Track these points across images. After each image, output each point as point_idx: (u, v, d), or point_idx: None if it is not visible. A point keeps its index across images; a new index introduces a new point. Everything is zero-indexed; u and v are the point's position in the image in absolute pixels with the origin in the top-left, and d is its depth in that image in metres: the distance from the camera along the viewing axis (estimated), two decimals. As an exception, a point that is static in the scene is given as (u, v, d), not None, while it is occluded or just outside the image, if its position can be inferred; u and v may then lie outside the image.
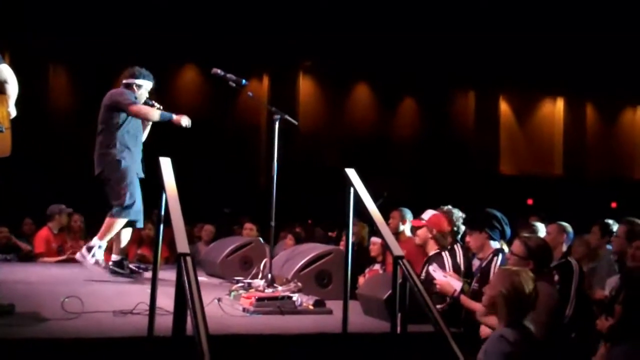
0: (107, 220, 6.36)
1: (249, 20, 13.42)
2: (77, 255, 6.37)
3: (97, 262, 6.32)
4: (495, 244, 5.24)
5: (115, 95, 6.43)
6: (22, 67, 12.32)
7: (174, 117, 6.43)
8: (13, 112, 4.50)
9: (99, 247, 6.35)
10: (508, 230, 5.37)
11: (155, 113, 6.44)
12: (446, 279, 4.98)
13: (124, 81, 6.62)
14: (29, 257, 8.35)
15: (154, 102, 6.68)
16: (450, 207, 5.67)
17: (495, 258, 5.02)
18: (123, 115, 6.37)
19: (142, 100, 6.60)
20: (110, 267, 6.47)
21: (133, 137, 6.44)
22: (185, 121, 6.43)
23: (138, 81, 6.57)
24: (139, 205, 6.35)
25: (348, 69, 15.66)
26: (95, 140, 6.49)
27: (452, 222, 5.66)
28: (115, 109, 6.37)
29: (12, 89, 4.39)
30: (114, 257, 6.52)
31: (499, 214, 5.37)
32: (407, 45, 14.44)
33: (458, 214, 5.63)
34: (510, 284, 3.77)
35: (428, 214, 5.74)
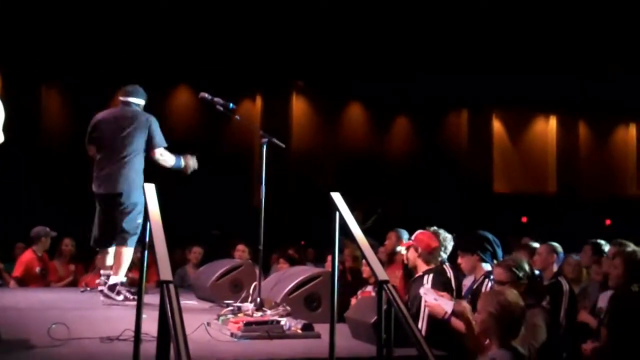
0: (122, 251, 6.36)
1: (242, 41, 13.46)
2: (102, 298, 6.30)
3: (126, 298, 6.28)
4: (486, 266, 5.22)
5: (154, 126, 6.49)
6: (14, 88, 12.54)
7: (183, 162, 6.68)
8: (0, 138, 4.48)
9: (121, 282, 6.36)
10: (499, 252, 5.36)
11: (171, 160, 6.62)
12: (437, 302, 4.96)
13: (124, 99, 6.65)
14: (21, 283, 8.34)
15: None
16: (435, 228, 5.63)
17: (486, 280, 5.01)
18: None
19: None
20: (102, 289, 6.48)
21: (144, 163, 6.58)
22: (192, 163, 6.75)
23: (139, 101, 6.67)
24: None
25: (341, 89, 15.69)
26: (113, 159, 6.43)
27: (439, 243, 5.62)
28: (148, 137, 6.45)
29: None
30: (103, 279, 6.51)
31: (490, 236, 5.35)
32: (400, 64, 14.49)
33: (445, 235, 5.61)
34: (498, 302, 3.78)
35: (416, 233, 5.70)
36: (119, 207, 6.36)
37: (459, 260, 5.41)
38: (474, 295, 4.91)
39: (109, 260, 6.53)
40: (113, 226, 6.45)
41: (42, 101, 14.01)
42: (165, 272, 3.27)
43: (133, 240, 6.35)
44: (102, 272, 6.57)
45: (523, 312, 3.82)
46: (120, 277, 6.35)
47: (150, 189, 3.86)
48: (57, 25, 12.34)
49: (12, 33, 11.83)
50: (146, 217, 3.70)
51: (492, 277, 4.96)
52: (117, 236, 6.41)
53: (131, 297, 6.32)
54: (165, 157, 6.53)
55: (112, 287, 6.34)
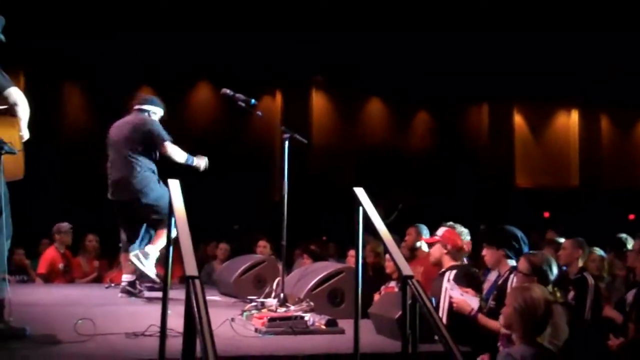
0: (160, 232, 6.39)
1: (261, 37, 13.48)
2: (147, 293, 6.45)
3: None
4: (511, 262, 5.20)
5: (151, 125, 6.51)
6: (36, 86, 12.64)
7: (195, 161, 6.54)
8: (26, 135, 4.52)
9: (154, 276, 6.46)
10: (526, 250, 5.32)
11: (182, 156, 6.51)
12: (463, 297, 4.95)
13: (138, 107, 6.68)
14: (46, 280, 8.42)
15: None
16: (452, 223, 5.63)
17: (511, 276, 4.98)
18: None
19: None
20: (124, 287, 6.53)
21: (154, 161, 6.55)
22: (203, 164, 6.57)
23: (153, 109, 6.65)
24: None
25: (361, 84, 15.66)
26: (119, 164, 6.50)
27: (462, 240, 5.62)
28: (149, 138, 6.46)
29: (23, 111, 4.37)
30: (126, 277, 6.57)
31: (519, 234, 5.31)
32: (420, 58, 14.44)
33: (461, 229, 5.61)
34: (523, 299, 3.78)
35: (442, 230, 5.70)
36: (142, 210, 6.43)
37: (484, 252, 5.40)
38: (500, 291, 4.89)
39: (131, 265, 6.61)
40: (138, 228, 6.55)
41: (64, 98, 14.10)
42: (191, 267, 3.27)
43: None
44: (124, 276, 6.64)
45: (549, 310, 3.80)
46: (157, 247, 6.35)
47: (175, 184, 3.87)
48: (78, 22, 12.41)
49: (34, 30, 11.90)
50: (171, 213, 3.71)
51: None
52: (151, 228, 6.49)
53: (157, 286, 6.44)
54: (174, 151, 6.50)
55: (131, 283, 6.46)
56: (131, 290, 6.49)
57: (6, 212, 4.30)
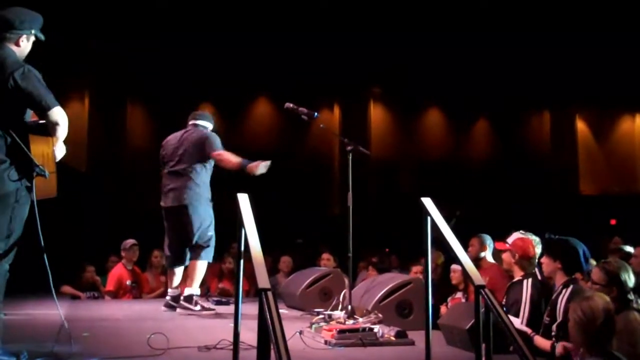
0: (196, 264, 6.51)
1: (318, 51, 13.55)
2: (179, 310, 6.48)
3: (203, 308, 6.48)
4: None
5: (204, 137, 6.64)
6: (101, 104, 12.93)
7: (250, 164, 6.38)
8: (62, 152, 4.43)
9: (197, 294, 6.54)
10: (586, 266, 5.13)
11: (235, 161, 6.44)
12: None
13: (192, 122, 6.87)
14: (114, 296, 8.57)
15: None
16: (522, 232, 5.52)
17: (564, 290, 4.77)
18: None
19: None
20: (167, 301, 6.69)
21: (209, 177, 6.67)
22: (262, 169, 6.33)
23: (204, 123, 6.84)
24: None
25: (419, 94, 15.60)
26: (178, 174, 6.63)
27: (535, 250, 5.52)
28: (202, 150, 6.59)
29: (62, 131, 4.24)
30: (170, 291, 6.71)
31: (581, 249, 5.06)
32: (478, 66, 14.32)
33: (533, 237, 5.49)
34: (581, 310, 3.71)
35: (513, 237, 5.59)
36: (188, 220, 6.50)
37: (542, 260, 5.24)
38: (552, 305, 4.75)
39: (176, 280, 6.72)
40: (183, 243, 6.61)
41: (128, 116, 14.36)
42: (263, 280, 3.29)
43: (207, 252, 6.52)
44: (169, 290, 6.75)
45: (610, 318, 3.71)
46: (194, 289, 6.50)
47: (244, 198, 3.90)
48: (141, 41, 12.67)
49: (98, 50, 12.20)
50: (241, 226, 3.74)
51: (571, 286, 4.78)
52: (190, 251, 6.58)
53: (207, 306, 6.54)
54: (224, 157, 6.52)
55: (188, 299, 6.49)
56: (173, 305, 6.58)
57: (15, 236, 4.12)
